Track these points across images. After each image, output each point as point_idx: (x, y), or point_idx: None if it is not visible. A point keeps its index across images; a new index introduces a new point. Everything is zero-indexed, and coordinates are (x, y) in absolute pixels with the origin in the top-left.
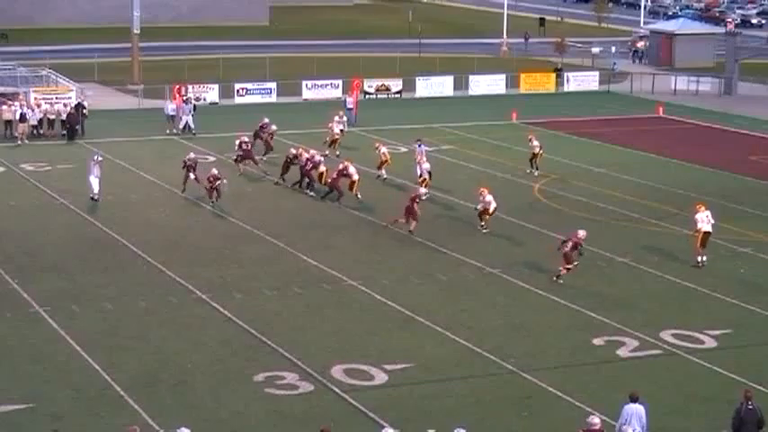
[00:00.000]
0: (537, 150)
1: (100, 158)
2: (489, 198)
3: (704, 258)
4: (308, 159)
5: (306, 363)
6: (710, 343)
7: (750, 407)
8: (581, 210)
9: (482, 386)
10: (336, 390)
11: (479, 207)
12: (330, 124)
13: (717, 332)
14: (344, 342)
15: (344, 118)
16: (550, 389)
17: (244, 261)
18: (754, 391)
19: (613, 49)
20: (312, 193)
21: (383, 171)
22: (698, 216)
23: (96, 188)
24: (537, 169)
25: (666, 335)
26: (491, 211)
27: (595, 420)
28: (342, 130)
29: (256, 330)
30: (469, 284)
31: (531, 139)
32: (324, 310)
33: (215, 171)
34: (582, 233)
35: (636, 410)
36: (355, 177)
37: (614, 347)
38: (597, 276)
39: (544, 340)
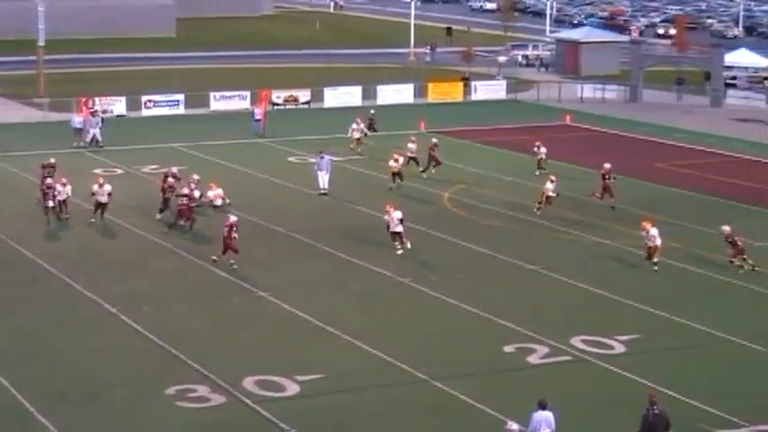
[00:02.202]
0: (543, 156)
1: None
2: (396, 215)
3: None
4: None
5: (217, 375)
6: (620, 348)
7: (656, 411)
8: (490, 218)
9: (394, 396)
10: (248, 401)
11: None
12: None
13: (626, 337)
14: (256, 353)
15: (361, 125)
16: (462, 397)
17: (153, 274)
18: (663, 394)
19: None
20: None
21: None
22: (650, 233)
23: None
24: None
25: (576, 341)
26: (397, 230)
27: (513, 427)
28: (359, 138)
29: (167, 343)
30: (380, 294)
31: (538, 146)
32: (235, 321)
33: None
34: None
35: (545, 417)
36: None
37: (525, 354)
38: (507, 284)
39: (456, 349)
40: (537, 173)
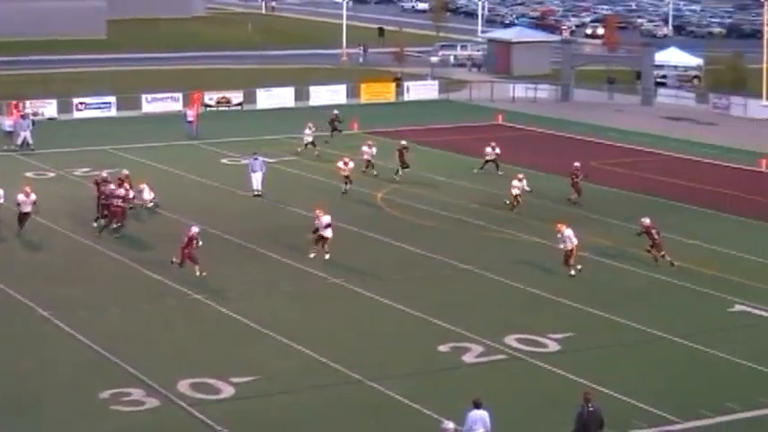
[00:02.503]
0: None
1: None
2: (325, 219)
3: (572, 272)
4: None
5: (151, 378)
6: (554, 346)
7: (591, 408)
8: (424, 218)
9: (330, 396)
10: (183, 404)
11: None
12: (363, 147)
13: (560, 336)
14: (190, 356)
15: (373, 149)
16: (398, 397)
17: (87, 277)
18: (597, 392)
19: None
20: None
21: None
22: (565, 233)
23: None
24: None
25: (511, 340)
26: (325, 234)
27: (449, 426)
28: (369, 161)
29: (101, 347)
30: (314, 295)
31: (493, 146)
32: (169, 324)
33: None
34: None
35: (480, 416)
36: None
37: (460, 354)
38: (442, 283)
39: (391, 349)
40: (478, 170)
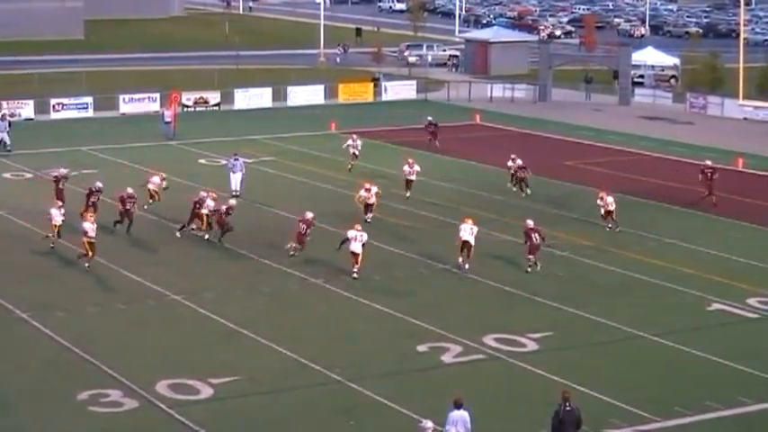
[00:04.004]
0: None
1: None
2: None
3: (467, 266)
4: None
5: (130, 379)
6: (532, 346)
7: (568, 408)
8: (402, 217)
9: (309, 397)
10: (162, 405)
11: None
12: (404, 167)
13: (538, 335)
14: (169, 357)
15: (415, 167)
16: (377, 397)
17: (66, 278)
18: (575, 391)
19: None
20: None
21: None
22: (462, 226)
23: None
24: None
25: (489, 339)
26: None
27: (428, 425)
28: (410, 180)
29: (79, 348)
30: (293, 296)
31: (513, 158)
32: (147, 325)
33: (130, 190)
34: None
35: (461, 416)
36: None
37: (438, 353)
38: (420, 283)
39: (369, 349)
40: (514, 189)
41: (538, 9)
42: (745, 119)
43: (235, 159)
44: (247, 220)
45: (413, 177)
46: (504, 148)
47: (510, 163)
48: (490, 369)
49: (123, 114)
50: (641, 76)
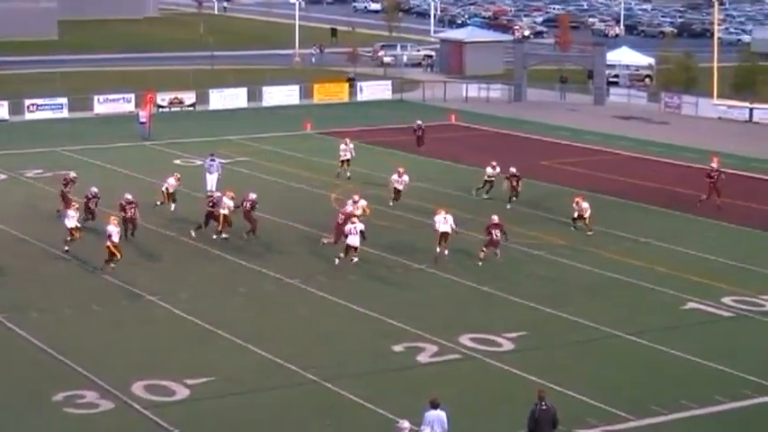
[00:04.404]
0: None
1: None
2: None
3: (445, 252)
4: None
5: (106, 380)
6: (508, 346)
7: (544, 407)
8: (377, 218)
9: (285, 397)
10: (137, 406)
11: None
12: (393, 176)
13: (514, 335)
14: (145, 358)
15: (404, 177)
16: (353, 397)
17: (41, 280)
18: (551, 390)
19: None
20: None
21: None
22: (436, 218)
23: None
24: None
25: (465, 339)
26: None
27: (405, 425)
28: (397, 189)
29: (54, 350)
30: (269, 296)
31: (494, 165)
32: (123, 326)
33: (128, 196)
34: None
35: (437, 416)
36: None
37: (414, 354)
38: (395, 283)
39: (345, 349)
40: (485, 196)
41: (513, 9)
42: (719, 118)
43: (211, 160)
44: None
45: (401, 187)
46: (480, 147)
47: (489, 170)
48: (466, 369)
49: (98, 115)
50: (616, 76)
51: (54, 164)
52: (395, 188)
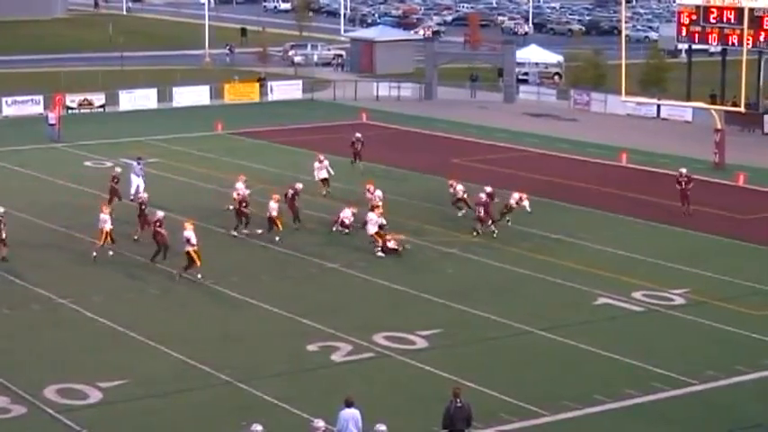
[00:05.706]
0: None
1: None
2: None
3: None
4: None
5: (17, 385)
6: (422, 343)
7: (459, 404)
8: (288, 217)
9: (199, 399)
10: (50, 411)
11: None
12: (366, 194)
13: (427, 332)
14: (57, 361)
15: (376, 192)
16: (268, 397)
17: None
18: (466, 387)
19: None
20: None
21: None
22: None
23: None
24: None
25: (379, 337)
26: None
27: (320, 424)
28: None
29: None
30: (182, 297)
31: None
32: (34, 330)
33: (160, 213)
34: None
35: (352, 415)
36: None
37: (329, 353)
38: (308, 283)
39: (259, 349)
40: (459, 213)
41: (422, 8)
42: (628, 114)
43: (138, 163)
44: (134, 224)
45: (378, 203)
46: (391, 145)
47: (451, 190)
48: (380, 367)
49: (6, 117)
50: (526, 74)
51: None
52: (372, 205)
